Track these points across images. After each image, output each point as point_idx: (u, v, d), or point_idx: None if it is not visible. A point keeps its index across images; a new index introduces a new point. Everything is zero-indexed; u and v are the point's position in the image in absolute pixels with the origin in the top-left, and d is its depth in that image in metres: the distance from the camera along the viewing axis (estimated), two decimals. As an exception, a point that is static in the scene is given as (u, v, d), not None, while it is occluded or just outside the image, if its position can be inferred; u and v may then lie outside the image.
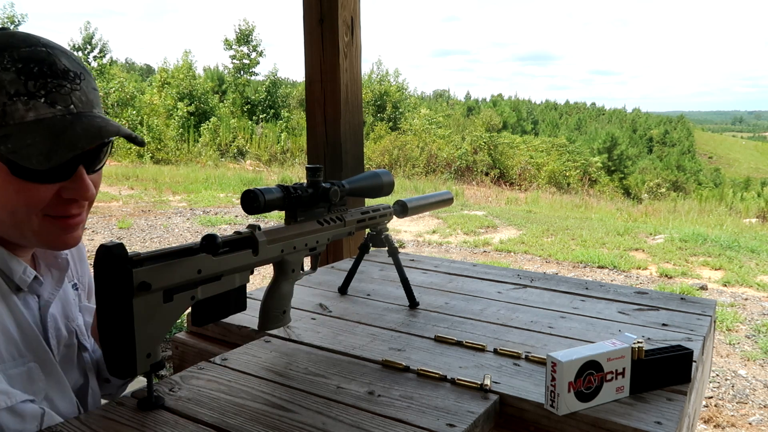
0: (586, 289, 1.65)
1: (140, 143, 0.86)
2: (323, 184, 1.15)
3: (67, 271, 0.96)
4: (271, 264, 1.10)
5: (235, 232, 1.01)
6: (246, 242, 1.00)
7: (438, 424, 0.91)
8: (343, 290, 1.60)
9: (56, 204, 0.84)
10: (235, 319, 1.34)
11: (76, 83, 0.82)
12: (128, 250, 0.81)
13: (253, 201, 1.00)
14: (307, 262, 1.22)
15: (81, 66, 0.85)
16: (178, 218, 8.42)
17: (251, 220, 7.62)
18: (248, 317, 1.33)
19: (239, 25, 27.06)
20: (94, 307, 1.05)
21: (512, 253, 6.88)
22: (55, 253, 0.94)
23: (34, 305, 0.91)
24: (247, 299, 1.04)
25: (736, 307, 5.03)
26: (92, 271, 0.86)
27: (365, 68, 29.47)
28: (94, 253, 0.80)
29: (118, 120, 20.33)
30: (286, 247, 1.08)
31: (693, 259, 6.63)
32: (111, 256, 0.79)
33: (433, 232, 7.99)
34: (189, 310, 0.94)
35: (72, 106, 0.81)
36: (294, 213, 1.12)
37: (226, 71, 27.81)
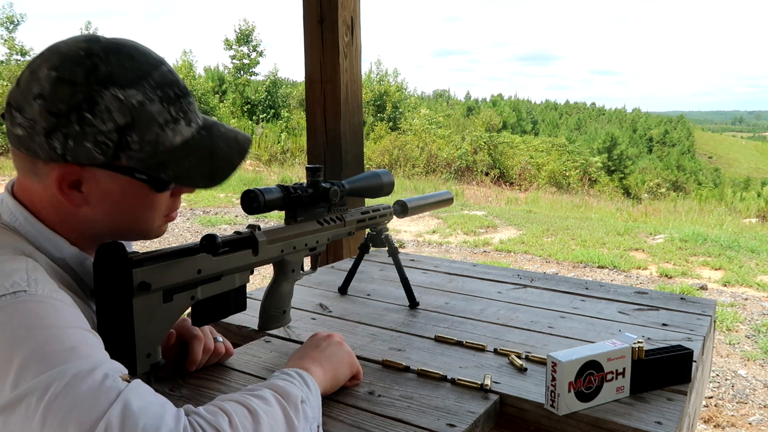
0: (586, 289, 1.65)
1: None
2: (323, 184, 1.15)
3: None
4: (271, 264, 1.10)
5: (235, 232, 1.01)
6: (246, 242, 1.00)
7: (438, 424, 0.91)
8: (343, 290, 1.60)
9: (170, 204, 0.88)
10: (235, 319, 1.34)
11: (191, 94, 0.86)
12: (128, 250, 0.81)
13: (253, 201, 1.00)
14: (307, 262, 1.22)
15: None
16: (178, 218, 8.43)
17: (251, 220, 7.62)
18: (248, 317, 1.33)
19: (239, 25, 27.06)
20: None
21: (512, 253, 6.87)
22: None
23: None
24: (247, 299, 1.04)
25: (736, 307, 5.03)
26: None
27: (365, 68, 29.48)
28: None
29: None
30: (286, 247, 1.08)
31: (693, 259, 6.63)
32: (111, 256, 0.79)
33: (433, 232, 7.99)
34: (189, 310, 0.94)
35: (199, 119, 0.84)
36: (294, 213, 1.12)
37: (226, 71, 27.81)
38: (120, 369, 0.67)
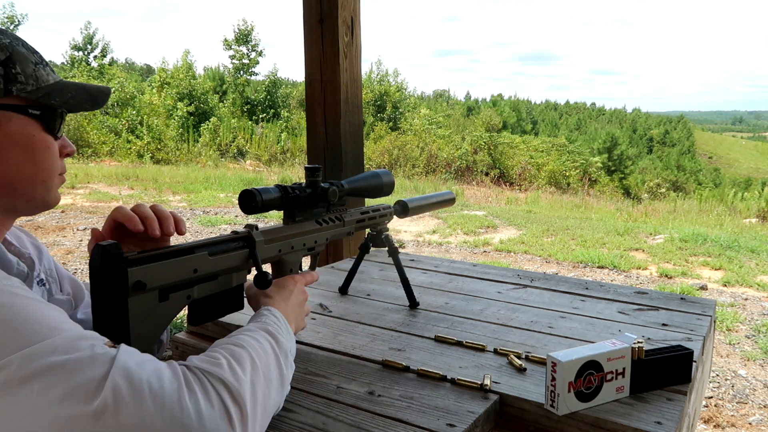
0: (586, 289, 1.65)
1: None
2: (322, 184, 1.15)
3: (34, 270, 0.95)
4: (269, 264, 1.10)
5: (232, 232, 1.01)
6: (243, 242, 1.00)
7: (438, 424, 0.91)
8: (343, 290, 1.60)
9: (60, 163, 0.92)
10: (235, 318, 1.34)
11: None
12: (124, 250, 0.81)
13: (250, 201, 1.00)
14: (306, 262, 1.22)
15: None
16: (178, 218, 8.41)
17: (251, 219, 7.62)
18: (248, 317, 1.32)
19: (238, 25, 27.05)
20: (65, 299, 1.04)
21: (512, 253, 6.87)
22: (21, 251, 0.95)
23: None
24: (246, 299, 1.04)
25: (736, 307, 5.03)
26: (83, 270, 0.85)
27: (365, 68, 29.44)
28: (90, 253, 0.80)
29: (117, 120, 20.36)
30: (283, 246, 1.08)
31: (693, 259, 6.63)
32: (106, 256, 0.79)
33: (433, 232, 7.99)
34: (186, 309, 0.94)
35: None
36: (292, 213, 1.12)
37: (226, 71, 27.80)
38: (100, 337, 0.69)
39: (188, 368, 0.70)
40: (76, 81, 0.94)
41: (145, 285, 0.82)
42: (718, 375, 3.77)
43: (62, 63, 26.36)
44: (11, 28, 23.34)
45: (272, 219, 7.83)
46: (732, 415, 3.28)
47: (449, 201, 1.66)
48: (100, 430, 0.61)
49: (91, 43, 26.81)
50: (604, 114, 59.34)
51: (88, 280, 0.88)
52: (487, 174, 19.98)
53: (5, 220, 0.88)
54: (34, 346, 0.63)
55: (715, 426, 3.18)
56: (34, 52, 0.87)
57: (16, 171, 0.84)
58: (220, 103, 24.48)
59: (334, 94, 2.21)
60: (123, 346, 0.68)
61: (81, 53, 26.64)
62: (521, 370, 1.10)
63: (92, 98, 0.91)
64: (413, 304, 1.49)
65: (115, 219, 0.91)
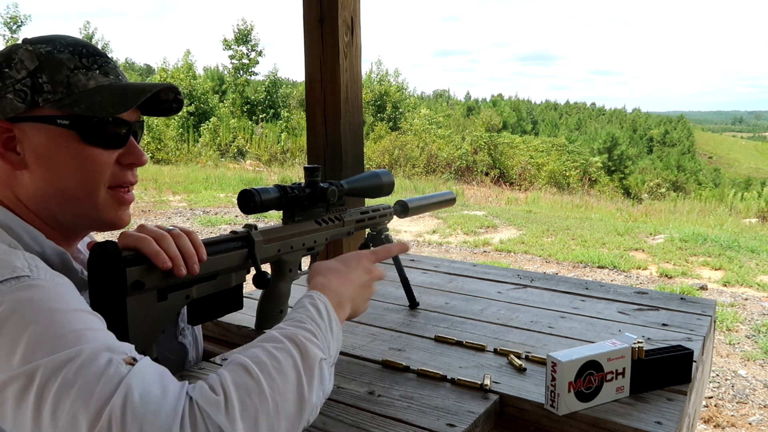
0: (586, 289, 1.65)
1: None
2: (321, 184, 1.15)
3: None
4: (268, 264, 1.09)
5: (231, 232, 1.01)
6: (242, 241, 1.00)
7: (438, 424, 0.91)
8: (342, 290, 1.60)
9: (118, 172, 0.88)
10: (235, 318, 1.34)
11: (115, 62, 0.91)
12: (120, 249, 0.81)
13: (249, 201, 1.01)
14: (306, 262, 1.22)
15: None
16: (178, 218, 8.42)
17: (251, 219, 7.62)
18: (248, 317, 1.33)
19: (237, 24, 27.03)
20: None
21: (512, 253, 6.87)
22: (82, 257, 0.95)
23: None
24: (246, 299, 1.04)
25: (736, 307, 5.02)
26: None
27: (365, 68, 29.44)
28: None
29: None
30: (282, 246, 1.08)
31: (693, 259, 6.62)
32: (104, 255, 0.79)
33: (433, 232, 7.98)
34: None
35: (120, 77, 0.89)
36: (291, 213, 1.12)
37: (226, 71, 27.80)
38: (124, 350, 0.67)
39: (191, 402, 0.66)
40: (134, 82, 0.89)
41: (144, 285, 0.81)
42: (718, 375, 3.77)
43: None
44: (14, 28, 23.37)
45: (272, 219, 7.83)
46: (732, 415, 3.28)
47: (449, 201, 1.66)
48: None
49: (90, 43, 26.79)
50: (604, 114, 59.32)
51: None
52: (487, 174, 19.98)
53: (71, 232, 0.89)
54: (58, 355, 0.63)
55: (715, 426, 3.18)
56: (86, 55, 0.84)
57: (57, 185, 0.83)
58: (220, 103, 24.47)
59: (334, 94, 2.21)
60: (138, 365, 0.66)
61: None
62: (521, 370, 1.10)
63: (122, 100, 0.83)
64: (413, 304, 1.49)
65: (140, 250, 0.82)
